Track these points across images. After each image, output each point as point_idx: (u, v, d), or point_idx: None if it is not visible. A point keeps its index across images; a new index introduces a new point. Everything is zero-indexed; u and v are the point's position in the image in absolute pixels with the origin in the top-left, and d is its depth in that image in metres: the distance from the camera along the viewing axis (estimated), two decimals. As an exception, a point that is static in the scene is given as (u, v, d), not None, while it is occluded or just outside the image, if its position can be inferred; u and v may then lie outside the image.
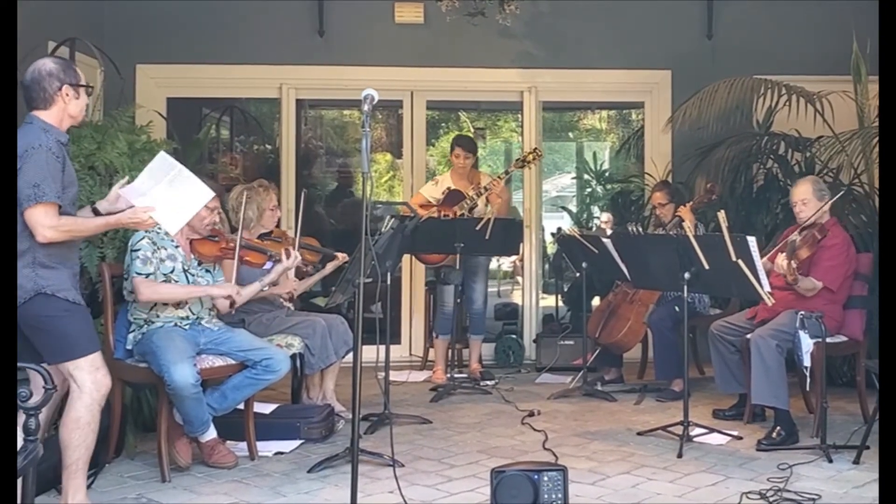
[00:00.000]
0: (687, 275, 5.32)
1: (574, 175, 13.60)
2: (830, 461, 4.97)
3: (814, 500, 4.37)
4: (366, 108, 4.01)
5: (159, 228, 4.90)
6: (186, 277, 5.01)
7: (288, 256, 5.42)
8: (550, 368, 7.59)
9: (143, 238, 4.88)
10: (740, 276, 5.06)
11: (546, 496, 3.97)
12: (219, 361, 4.99)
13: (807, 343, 5.11)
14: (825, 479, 4.73)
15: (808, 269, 5.55)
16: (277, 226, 6.10)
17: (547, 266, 9.86)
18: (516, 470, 4.04)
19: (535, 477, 3.98)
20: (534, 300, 8.51)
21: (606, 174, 12.48)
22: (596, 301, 7.87)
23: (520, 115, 8.88)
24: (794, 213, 5.77)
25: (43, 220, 3.78)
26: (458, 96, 9.25)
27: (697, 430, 5.48)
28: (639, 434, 5.62)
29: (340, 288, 5.33)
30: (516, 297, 10.10)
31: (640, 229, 7.38)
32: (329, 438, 5.52)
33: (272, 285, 5.57)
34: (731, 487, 4.60)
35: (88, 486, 4.36)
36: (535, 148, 7.44)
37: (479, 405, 6.50)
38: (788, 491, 4.48)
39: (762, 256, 5.26)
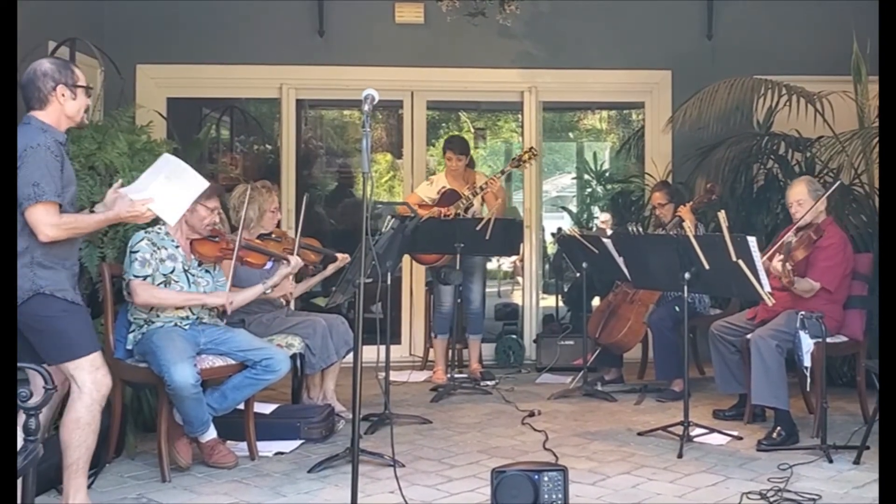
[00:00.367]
0: (687, 275, 5.32)
1: (574, 175, 13.59)
2: (831, 461, 4.97)
3: (814, 500, 4.37)
4: (366, 108, 4.01)
5: (159, 229, 4.92)
6: (187, 278, 5.01)
7: (289, 263, 5.40)
8: (551, 368, 7.59)
9: (143, 239, 4.88)
10: (740, 277, 5.06)
11: (546, 496, 3.97)
12: (219, 361, 4.99)
13: (807, 343, 5.10)
14: (825, 479, 4.73)
15: (805, 269, 5.55)
16: (278, 226, 6.10)
17: (547, 266, 9.86)
18: (517, 470, 4.04)
19: (536, 477, 3.98)
20: (534, 300, 8.51)
21: (607, 174, 12.47)
22: (596, 301, 7.87)
23: (520, 116, 8.88)
24: (791, 213, 5.77)
25: (44, 219, 3.78)
26: (458, 96, 9.24)
27: (698, 431, 5.48)
28: (639, 434, 5.62)
29: (341, 288, 5.33)
30: (516, 298, 10.09)
31: (640, 229, 7.38)
32: (329, 438, 5.52)
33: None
34: (731, 488, 4.60)
35: (89, 486, 4.36)
36: (531, 147, 7.44)
37: (480, 405, 6.50)
38: (789, 491, 4.48)
39: (761, 257, 5.25)
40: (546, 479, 3.99)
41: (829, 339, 5.23)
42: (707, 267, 5.25)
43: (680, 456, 5.12)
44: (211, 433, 4.93)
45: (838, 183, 6.15)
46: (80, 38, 6.52)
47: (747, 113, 7.53)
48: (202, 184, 4.35)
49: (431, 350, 7.72)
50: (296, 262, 5.44)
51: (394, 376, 6.67)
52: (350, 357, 5.28)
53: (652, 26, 8.28)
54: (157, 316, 4.93)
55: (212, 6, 8.04)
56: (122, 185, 4.20)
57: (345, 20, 8.18)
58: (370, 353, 5.20)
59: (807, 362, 5.13)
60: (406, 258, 7.66)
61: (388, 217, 5.74)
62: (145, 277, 4.85)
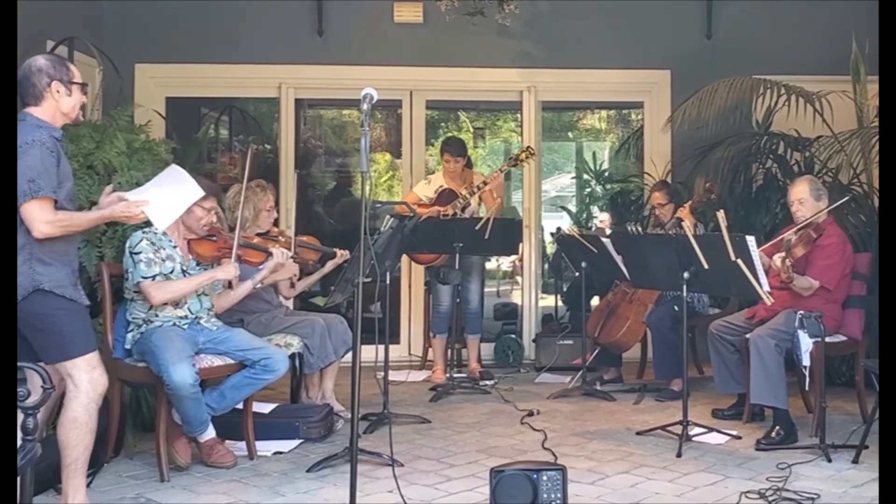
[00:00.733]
0: (686, 274, 5.32)
1: (573, 175, 13.61)
2: (829, 461, 4.97)
3: (812, 499, 4.37)
4: (365, 107, 4.01)
5: (157, 229, 4.91)
6: (185, 277, 5.00)
7: (272, 256, 5.39)
8: (550, 368, 7.60)
9: (142, 240, 4.87)
10: (739, 276, 5.06)
11: (545, 496, 3.97)
12: (217, 361, 4.99)
13: (806, 343, 5.11)
14: (824, 478, 4.73)
15: (805, 268, 5.55)
16: (276, 225, 6.10)
17: (546, 266, 9.86)
18: (515, 469, 4.04)
19: (535, 476, 3.99)
20: (533, 300, 8.51)
21: (606, 174, 12.49)
22: (595, 301, 7.87)
23: (519, 115, 8.88)
24: (791, 211, 5.77)
25: (39, 216, 3.78)
26: (457, 96, 9.25)
27: (696, 430, 5.48)
28: (638, 434, 5.62)
29: (339, 287, 5.33)
30: (515, 297, 10.10)
31: (640, 229, 7.38)
32: (328, 438, 5.52)
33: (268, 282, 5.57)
34: (730, 487, 4.60)
35: (87, 486, 4.36)
36: (528, 146, 7.44)
37: (479, 405, 6.49)
38: (787, 490, 4.47)
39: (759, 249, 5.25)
40: (545, 478, 3.99)
41: (827, 339, 5.23)
42: (706, 266, 5.25)
43: (679, 455, 5.12)
44: (210, 433, 4.93)
45: (846, 198, 6.12)
46: (79, 38, 6.52)
47: (746, 112, 7.53)
48: (197, 192, 4.40)
49: (430, 350, 7.72)
50: (279, 253, 5.42)
51: (392, 376, 6.67)
52: (349, 356, 5.28)
53: (651, 26, 8.28)
54: (156, 315, 4.93)
55: (211, 6, 8.04)
56: (115, 190, 4.21)
57: (344, 20, 8.17)
58: (369, 352, 5.19)
59: (805, 362, 5.13)
60: (404, 258, 7.66)
61: (387, 216, 5.74)
62: (154, 277, 4.84)
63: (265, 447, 5.23)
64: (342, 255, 5.92)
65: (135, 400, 5.33)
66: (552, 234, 9.09)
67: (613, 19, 8.30)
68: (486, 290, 7.82)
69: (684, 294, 5.42)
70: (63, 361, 3.90)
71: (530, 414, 6.12)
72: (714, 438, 5.45)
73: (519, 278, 9.84)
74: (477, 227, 6.67)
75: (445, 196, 7.14)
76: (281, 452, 5.23)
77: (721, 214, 5.22)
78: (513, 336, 8.24)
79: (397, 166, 10.77)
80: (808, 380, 5.23)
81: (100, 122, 5.84)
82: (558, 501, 3.98)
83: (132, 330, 4.94)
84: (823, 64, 7.54)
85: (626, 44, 8.30)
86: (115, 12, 7.86)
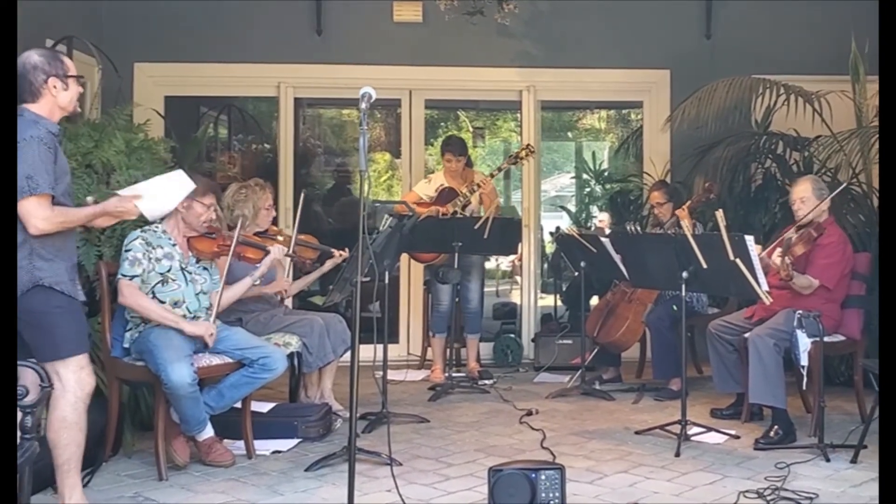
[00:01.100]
0: (685, 274, 5.32)
1: (573, 175, 13.61)
2: (828, 460, 4.97)
3: (811, 499, 4.37)
4: (363, 106, 4.01)
5: (156, 227, 4.92)
6: (184, 276, 5.00)
7: (269, 253, 5.39)
8: (549, 368, 7.59)
9: (137, 238, 4.87)
10: (738, 276, 5.06)
11: (543, 495, 3.97)
12: (216, 360, 4.99)
13: (804, 342, 5.11)
14: (822, 478, 4.73)
15: (805, 267, 5.55)
16: (273, 224, 6.10)
17: (545, 265, 9.86)
18: (514, 469, 4.04)
19: (533, 476, 3.99)
20: (532, 299, 8.51)
21: (605, 174, 12.49)
22: (594, 300, 7.87)
23: (518, 115, 8.87)
24: (793, 210, 5.77)
25: (36, 212, 3.77)
26: (456, 95, 9.26)
27: (695, 430, 5.48)
28: (636, 433, 5.62)
29: (338, 287, 5.32)
30: (515, 297, 10.10)
31: (639, 228, 7.37)
32: (326, 437, 5.52)
33: (264, 281, 5.57)
34: (728, 486, 4.60)
35: (85, 485, 4.36)
36: (528, 144, 7.44)
37: (477, 404, 6.49)
38: (786, 490, 4.47)
39: (760, 252, 5.25)
40: (543, 477, 3.99)
41: (826, 339, 5.23)
42: (705, 266, 5.25)
43: (677, 455, 5.12)
44: (208, 432, 4.93)
45: (845, 184, 6.13)
46: (78, 37, 6.52)
47: (746, 112, 7.53)
48: (189, 186, 4.44)
49: (429, 349, 7.72)
50: (276, 250, 5.42)
51: (391, 375, 6.66)
52: (347, 356, 5.30)
53: (651, 26, 8.28)
54: (146, 318, 4.92)
55: (210, 5, 8.04)
56: (113, 189, 4.21)
57: (343, 19, 8.17)
58: (367, 351, 5.19)
59: (804, 361, 5.14)
60: (404, 257, 7.66)
61: (386, 216, 5.73)
62: (132, 278, 4.82)
63: (263, 446, 5.23)
64: (340, 255, 5.92)
65: (133, 399, 5.33)
66: (551, 234, 9.09)
67: (613, 19, 8.30)
68: (485, 289, 7.82)
69: (683, 294, 5.42)
70: (53, 361, 3.88)
71: (529, 413, 6.12)
72: (712, 438, 5.45)
73: (518, 278, 9.84)
74: (476, 227, 6.67)
75: (446, 195, 7.14)
76: (279, 451, 5.23)
77: (720, 214, 5.22)
78: (512, 335, 8.24)
79: (396, 166, 10.77)
80: (806, 379, 5.24)
81: (99, 120, 5.84)
82: (557, 501, 3.98)
83: (131, 329, 4.94)
84: (823, 64, 7.54)
85: (625, 43, 8.30)
86: (115, 11, 7.85)
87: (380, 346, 5.81)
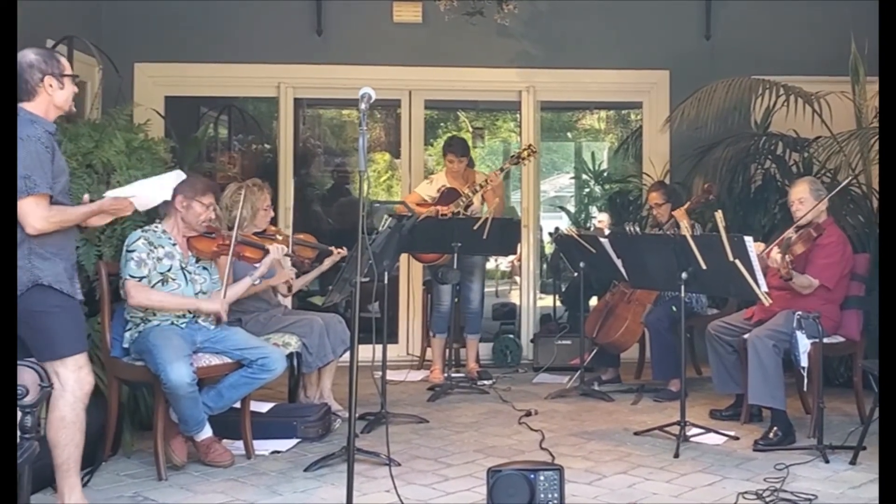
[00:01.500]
0: (684, 275, 5.32)
1: (572, 175, 13.60)
2: (827, 461, 4.97)
3: (810, 500, 4.37)
4: (363, 106, 4.01)
5: (156, 227, 4.92)
6: (184, 275, 5.01)
7: (268, 252, 5.39)
8: (548, 368, 7.59)
9: (139, 238, 4.88)
10: (737, 276, 5.07)
11: (542, 496, 3.97)
12: (215, 360, 4.99)
13: (804, 343, 5.11)
14: (822, 479, 4.73)
15: (804, 267, 5.55)
16: (272, 224, 6.10)
17: (545, 266, 9.85)
18: (513, 469, 4.04)
19: (532, 476, 3.99)
20: (531, 300, 8.51)
21: (605, 174, 12.48)
22: (593, 301, 7.87)
23: (518, 115, 8.87)
24: (791, 211, 5.77)
25: (33, 212, 3.76)
26: (456, 96, 9.26)
27: (694, 431, 5.49)
28: (636, 434, 5.62)
29: (337, 287, 5.33)
30: (514, 297, 10.09)
31: (638, 229, 7.37)
32: (326, 437, 5.52)
33: (265, 278, 5.57)
34: (727, 487, 4.60)
35: (85, 484, 4.36)
36: (530, 144, 7.43)
37: (477, 405, 6.49)
38: (785, 491, 4.48)
39: (759, 252, 5.25)
40: (542, 478, 3.99)
41: (825, 340, 5.22)
42: (704, 267, 5.25)
43: (676, 456, 5.12)
44: (207, 432, 4.93)
45: (844, 183, 6.13)
46: (78, 37, 6.52)
47: (745, 113, 7.52)
48: (178, 176, 4.47)
49: (428, 349, 7.72)
50: (275, 249, 5.42)
51: (391, 375, 6.66)
52: (347, 356, 5.29)
53: (650, 26, 8.28)
54: (154, 314, 4.93)
55: (210, 5, 8.04)
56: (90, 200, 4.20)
57: (343, 19, 8.17)
58: (367, 351, 5.19)
59: (803, 362, 5.14)
60: (404, 257, 7.65)
61: (385, 216, 5.74)
62: (140, 279, 4.84)
63: (263, 446, 5.23)
64: (339, 252, 5.93)
65: (132, 399, 5.33)
66: (551, 235, 9.08)
67: (612, 19, 8.30)
68: (485, 289, 7.82)
69: (682, 294, 5.42)
70: (52, 360, 3.88)
71: (528, 414, 6.12)
72: (712, 439, 5.46)
73: (517, 278, 9.83)
74: (475, 228, 6.67)
75: (448, 195, 7.15)
76: (278, 451, 5.24)
77: (719, 215, 5.22)
78: (511, 336, 8.23)
79: (396, 166, 10.77)
80: (805, 380, 5.24)
81: (99, 121, 5.84)
82: (555, 501, 3.98)
83: (130, 329, 4.94)
84: (822, 64, 7.54)
85: (625, 44, 8.30)
86: (115, 11, 7.85)
87: (379, 347, 5.81)
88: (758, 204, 7.59)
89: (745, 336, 5.63)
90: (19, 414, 3.21)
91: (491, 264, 11.08)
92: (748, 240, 5.06)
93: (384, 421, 5.37)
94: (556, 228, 8.77)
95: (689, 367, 7.02)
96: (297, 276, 6.13)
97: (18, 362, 3.46)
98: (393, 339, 8.00)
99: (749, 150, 7.59)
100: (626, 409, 6.38)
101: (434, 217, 6.90)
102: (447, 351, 7.39)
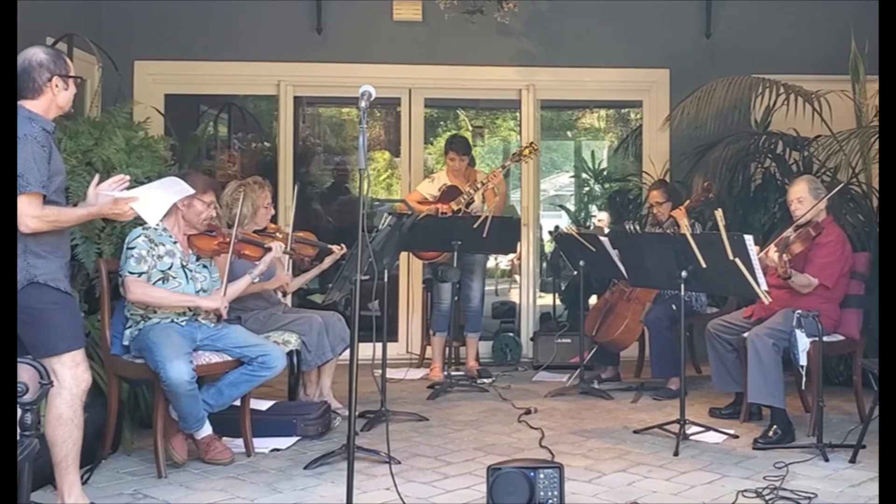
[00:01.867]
0: (684, 273, 5.32)
1: (572, 174, 13.61)
2: (827, 460, 4.97)
3: (810, 498, 4.37)
4: (363, 104, 4.01)
5: (157, 225, 4.91)
6: (185, 273, 5.01)
7: (270, 250, 5.39)
8: (547, 366, 7.60)
9: (140, 236, 4.88)
10: (737, 275, 5.07)
11: (542, 493, 3.97)
12: (215, 358, 4.99)
13: (803, 342, 5.11)
14: (821, 477, 4.73)
15: (804, 266, 5.56)
16: (272, 222, 6.10)
17: (544, 264, 9.86)
18: (513, 467, 4.04)
19: (532, 474, 3.99)
20: (531, 298, 8.51)
21: (604, 173, 12.48)
22: (593, 299, 7.87)
23: (518, 114, 8.87)
24: (791, 210, 5.77)
25: (26, 210, 3.75)
26: (456, 94, 9.26)
27: (694, 429, 5.49)
28: (635, 432, 5.62)
29: (337, 284, 5.33)
30: (514, 296, 10.10)
31: (638, 228, 7.38)
32: (325, 435, 5.52)
33: (264, 279, 5.57)
34: (727, 486, 4.60)
35: (85, 482, 4.36)
36: (531, 142, 7.43)
37: (476, 403, 6.50)
38: (784, 489, 4.48)
39: (758, 252, 5.25)
40: (542, 476, 3.99)
41: (825, 338, 5.22)
42: (704, 265, 5.25)
43: (676, 454, 5.12)
44: (207, 429, 4.93)
45: (842, 184, 6.12)
46: (78, 34, 6.52)
47: (745, 112, 7.53)
48: (186, 190, 4.41)
49: (428, 347, 7.73)
50: (276, 246, 5.42)
51: (390, 373, 6.67)
52: (346, 354, 5.29)
53: (650, 25, 8.28)
54: (154, 312, 4.93)
55: (210, 3, 8.03)
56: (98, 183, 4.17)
57: (343, 17, 8.17)
58: (367, 349, 5.19)
59: (803, 361, 5.14)
60: (404, 256, 7.65)
61: (385, 214, 5.74)
62: (140, 275, 4.84)
63: (262, 444, 5.23)
64: (339, 250, 5.93)
65: (132, 396, 5.34)
66: (550, 233, 9.09)
67: (612, 18, 8.30)
68: (485, 288, 7.82)
69: (682, 293, 5.42)
70: (49, 357, 3.87)
71: (528, 412, 6.12)
72: (711, 437, 5.46)
73: (517, 277, 9.83)
74: (475, 226, 6.67)
75: (449, 193, 7.15)
76: (278, 449, 5.23)
77: (719, 213, 5.22)
78: (511, 334, 8.24)
79: (396, 164, 10.77)
80: (805, 379, 5.25)
81: (99, 118, 5.84)
82: (555, 499, 3.98)
83: (130, 326, 4.94)
84: (822, 63, 7.54)
85: (624, 42, 8.30)
86: (115, 9, 7.85)
87: (379, 345, 5.82)
88: (758, 203, 7.59)
89: (745, 335, 5.63)
90: (19, 411, 3.21)
91: (491, 263, 11.09)
92: (748, 238, 5.06)
93: (384, 419, 5.37)
94: (556, 227, 8.78)
95: (689, 366, 7.02)
96: (297, 274, 6.13)
97: (18, 360, 3.45)
98: (393, 337, 8.00)
99: (749, 149, 7.59)
100: (625, 407, 6.38)
101: (434, 215, 6.90)
102: (447, 349, 7.40)
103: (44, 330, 3.86)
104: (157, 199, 4.21)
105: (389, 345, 6.34)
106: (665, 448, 5.24)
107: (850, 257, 5.74)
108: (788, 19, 8.13)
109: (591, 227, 11.15)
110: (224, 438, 5.06)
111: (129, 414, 5.30)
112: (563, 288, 9.08)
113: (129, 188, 4.16)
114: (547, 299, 9.22)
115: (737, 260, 5.04)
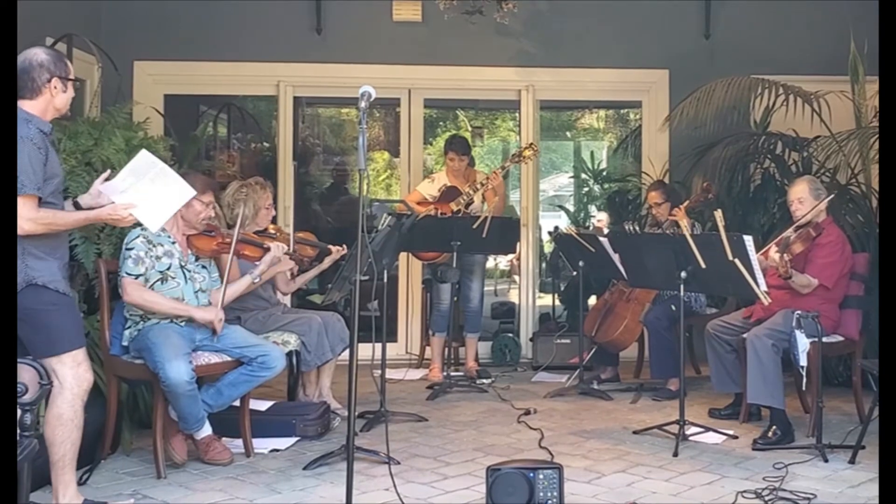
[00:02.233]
0: (683, 274, 5.32)
1: (571, 174, 13.61)
2: (826, 461, 4.97)
3: (809, 499, 4.37)
4: (362, 104, 4.00)
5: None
6: (183, 274, 5.01)
7: (269, 250, 5.38)
8: (547, 367, 7.60)
9: (138, 237, 4.87)
10: (737, 276, 5.07)
11: (541, 494, 3.97)
12: (214, 358, 4.99)
13: (803, 342, 5.11)
14: (821, 478, 4.73)
15: (804, 266, 5.56)
16: (273, 222, 6.10)
17: (544, 265, 9.86)
18: (512, 468, 4.04)
19: (531, 475, 3.99)
20: (530, 299, 8.51)
21: (604, 173, 12.48)
22: (592, 300, 7.87)
23: (517, 114, 8.87)
24: (791, 211, 5.77)
25: (21, 212, 3.74)
26: (455, 94, 9.26)
27: (693, 430, 5.48)
28: (634, 433, 5.62)
29: (337, 285, 5.32)
30: (513, 296, 10.10)
31: (637, 228, 7.38)
32: (325, 436, 5.52)
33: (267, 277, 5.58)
34: (726, 486, 4.60)
35: (84, 483, 4.37)
36: (531, 143, 7.43)
37: (476, 403, 6.50)
38: (784, 490, 4.47)
39: (757, 253, 5.26)
40: (541, 476, 3.99)
41: (825, 339, 5.22)
42: (703, 266, 5.25)
43: (675, 455, 5.12)
44: (206, 430, 4.93)
45: (832, 195, 6.10)
46: (78, 35, 6.52)
47: (744, 112, 7.53)
48: (188, 193, 4.34)
49: (428, 348, 7.72)
50: (276, 247, 5.41)
51: (390, 374, 6.67)
52: (346, 354, 5.29)
53: (649, 25, 8.28)
54: (154, 313, 4.92)
55: (209, 4, 8.03)
56: (109, 178, 4.15)
57: (342, 18, 8.17)
58: (366, 350, 5.18)
59: (803, 362, 5.14)
60: (403, 256, 7.65)
61: (385, 214, 5.73)
62: (137, 276, 4.84)
63: (262, 444, 5.23)
64: (338, 250, 5.94)
65: (132, 397, 5.33)
66: (550, 234, 9.10)
67: (612, 18, 8.30)
68: (484, 288, 7.82)
69: (681, 293, 5.43)
70: (49, 357, 3.86)
71: (527, 413, 6.12)
72: (711, 438, 5.46)
73: (516, 277, 9.84)
74: (474, 226, 6.67)
75: (449, 193, 7.15)
76: (277, 450, 5.23)
77: (718, 214, 5.22)
78: (510, 335, 8.24)
79: (395, 165, 10.77)
80: (804, 380, 5.25)
81: (98, 119, 5.84)
82: (554, 500, 3.98)
83: (130, 327, 4.94)
84: (821, 64, 7.54)
85: (624, 43, 8.30)
86: (114, 9, 7.85)
87: (378, 345, 5.82)
88: (757, 203, 7.59)
89: (744, 335, 5.63)
90: (19, 412, 3.21)
91: (490, 263, 11.10)
92: (748, 239, 5.06)
93: (383, 419, 5.37)
94: (556, 227, 8.78)
95: (688, 367, 7.03)
96: (297, 274, 6.13)
97: (18, 360, 3.45)
98: (392, 337, 8.00)
99: (748, 150, 7.59)
100: (624, 407, 6.38)
101: (433, 215, 6.90)
102: (446, 349, 7.40)
103: (44, 331, 3.86)
104: (158, 202, 4.19)
105: (389, 345, 6.33)
106: (664, 449, 5.24)
107: (850, 258, 5.74)
108: (788, 20, 8.14)
109: (591, 228, 11.16)
110: (223, 439, 5.05)
111: (129, 414, 5.30)
112: (562, 288, 9.09)
113: (108, 179, 4.13)
114: (546, 300, 9.22)
115: (736, 260, 5.04)
